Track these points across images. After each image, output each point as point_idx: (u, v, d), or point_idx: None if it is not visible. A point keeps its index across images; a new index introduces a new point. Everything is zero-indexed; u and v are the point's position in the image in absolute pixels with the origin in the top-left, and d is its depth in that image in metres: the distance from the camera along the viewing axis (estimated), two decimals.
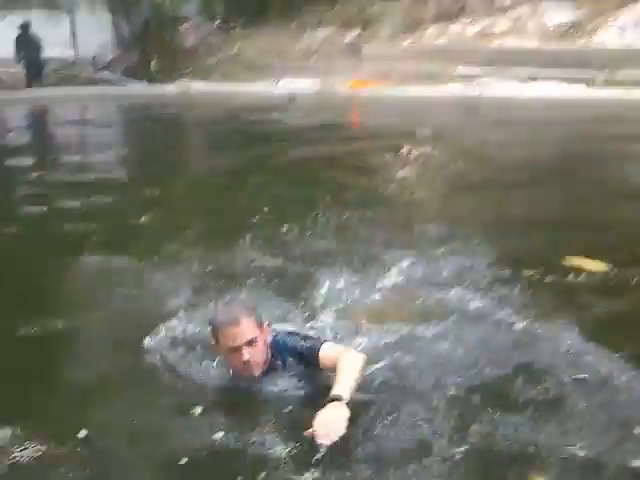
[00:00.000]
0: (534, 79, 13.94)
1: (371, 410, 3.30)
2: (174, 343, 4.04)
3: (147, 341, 4.05)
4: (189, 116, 14.77)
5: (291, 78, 15.87)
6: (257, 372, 3.50)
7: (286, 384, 3.53)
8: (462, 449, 3.06)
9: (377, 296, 4.64)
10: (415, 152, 9.39)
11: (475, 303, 4.41)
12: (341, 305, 4.48)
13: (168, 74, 17.09)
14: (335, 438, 3.00)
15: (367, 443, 3.11)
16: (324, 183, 8.23)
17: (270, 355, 3.56)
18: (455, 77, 14.70)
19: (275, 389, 3.51)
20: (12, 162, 10.75)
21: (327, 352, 3.45)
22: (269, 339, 3.58)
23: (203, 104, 14.92)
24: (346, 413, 3.08)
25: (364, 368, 3.40)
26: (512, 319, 4.16)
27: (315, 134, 11.47)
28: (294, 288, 4.80)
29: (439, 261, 5.17)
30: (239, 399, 3.54)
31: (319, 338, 3.66)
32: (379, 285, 4.79)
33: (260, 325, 3.52)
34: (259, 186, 8.12)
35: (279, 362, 3.57)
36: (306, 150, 10.23)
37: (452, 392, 3.49)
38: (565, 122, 11.35)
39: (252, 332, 3.45)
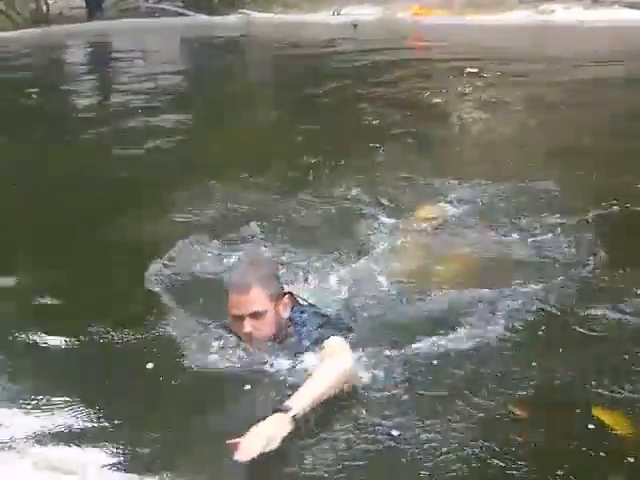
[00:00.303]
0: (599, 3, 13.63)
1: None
2: None
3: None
4: (251, 46, 14.76)
5: (353, 6, 15.69)
6: (256, 346, 3.30)
7: (287, 364, 3.29)
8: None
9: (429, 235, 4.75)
10: (481, 78, 9.33)
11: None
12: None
13: (229, 4, 16.98)
14: (253, 455, 2.63)
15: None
16: (388, 114, 8.25)
17: (287, 328, 3.36)
18: (519, 4, 14.40)
19: (272, 364, 3.29)
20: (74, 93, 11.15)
21: (326, 347, 3.19)
22: (287, 313, 3.38)
23: (264, 34, 14.85)
24: (285, 429, 2.76)
25: (342, 380, 3.08)
26: None
27: (378, 61, 11.40)
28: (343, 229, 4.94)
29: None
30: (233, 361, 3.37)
31: (340, 325, 3.41)
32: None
33: (276, 297, 3.32)
34: (319, 119, 8.23)
35: (294, 339, 3.34)
36: (370, 79, 10.20)
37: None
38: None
39: (261, 304, 3.25)
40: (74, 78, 12.59)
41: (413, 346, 3.42)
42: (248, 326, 3.26)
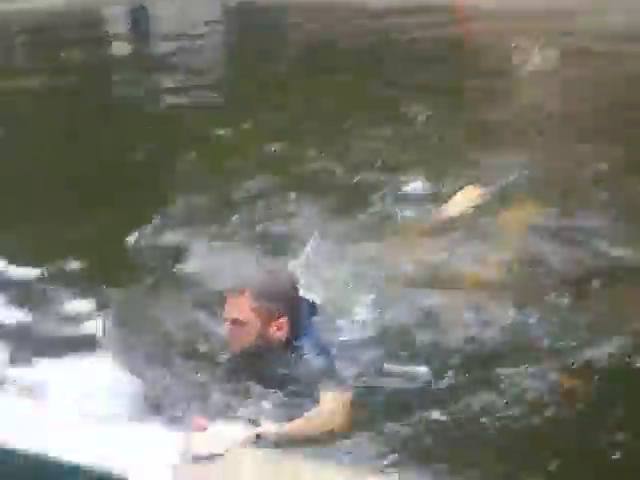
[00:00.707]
0: None
1: None
2: None
3: None
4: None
5: None
6: (232, 350, 3.33)
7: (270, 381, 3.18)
8: None
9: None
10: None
11: None
12: None
13: None
14: (205, 453, 2.57)
15: None
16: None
17: (281, 349, 3.24)
18: None
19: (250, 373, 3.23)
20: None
21: (323, 403, 3.02)
22: (280, 335, 3.24)
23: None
24: (238, 435, 2.69)
25: (317, 436, 2.87)
26: None
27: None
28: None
29: None
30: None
31: (335, 379, 3.14)
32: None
33: (268, 315, 3.21)
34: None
35: (289, 358, 3.23)
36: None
37: None
38: None
39: (243, 314, 3.19)
40: None
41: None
42: (227, 328, 3.30)
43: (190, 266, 4.47)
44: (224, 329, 3.35)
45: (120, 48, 12.81)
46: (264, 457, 2.57)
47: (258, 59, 10.66)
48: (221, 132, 7.24)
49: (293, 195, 5.28)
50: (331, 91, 8.51)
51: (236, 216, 5.10)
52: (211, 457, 2.53)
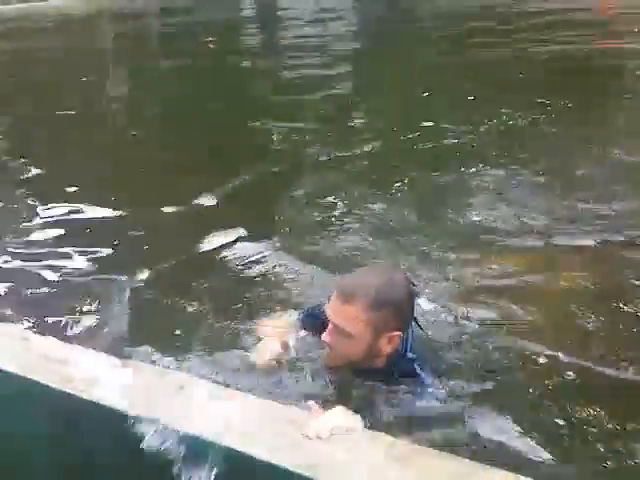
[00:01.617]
0: None
1: None
2: None
3: None
4: None
5: None
6: (330, 363, 2.82)
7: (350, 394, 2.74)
8: None
9: None
10: None
11: None
12: None
13: None
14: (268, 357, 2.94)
15: None
16: None
17: (385, 365, 2.76)
18: None
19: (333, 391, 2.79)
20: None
21: None
22: (389, 349, 2.72)
23: None
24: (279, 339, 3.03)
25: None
26: None
27: None
28: None
29: None
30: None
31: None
32: None
33: (380, 330, 2.67)
34: None
35: (384, 380, 2.75)
36: None
37: None
38: None
39: (353, 326, 2.65)
40: None
41: None
42: (328, 335, 2.72)
43: None
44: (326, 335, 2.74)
45: None
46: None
47: None
48: None
49: None
50: None
51: None
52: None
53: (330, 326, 2.69)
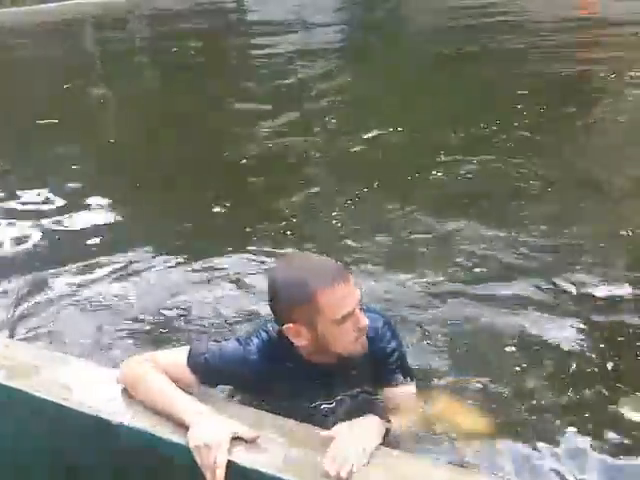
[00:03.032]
0: None
1: None
2: None
3: None
4: None
5: None
6: (360, 351, 2.43)
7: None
8: None
9: None
10: None
11: None
12: None
13: None
14: (345, 473, 1.97)
15: None
16: None
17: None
18: None
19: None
20: None
21: (402, 400, 2.51)
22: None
23: None
24: (379, 436, 2.12)
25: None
26: None
27: None
28: None
29: None
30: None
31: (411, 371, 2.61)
32: None
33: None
34: None
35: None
36: None
37: None
38: None
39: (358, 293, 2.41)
40: None
41: None
42: (364, 316, 2.40)
43: None
44: (347, 334, 2.36)
45: None
46: None
47: None
48: None
49: None
50: None
51: None
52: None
53: (355, 313, 2.35)
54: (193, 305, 3.84)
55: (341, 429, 2.10)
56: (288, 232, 4.77)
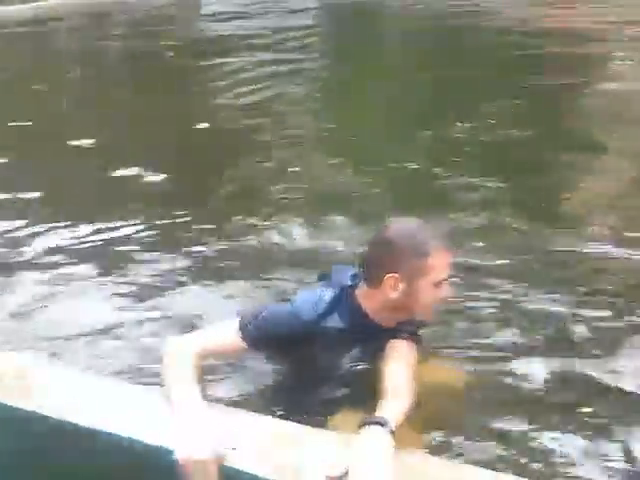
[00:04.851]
0: None
1: None
2: None
3: None
4: None
5: None
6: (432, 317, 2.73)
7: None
8: None
9: None
10: None
11: None
12: None
13: None
14: None
15: None
16: None
17: None
18: None
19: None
20: None
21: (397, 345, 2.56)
22: None
23: None
24: (389, 450, 2.01)
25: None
26: None
27: None
28: None
29: None
30: None
31: None
32: None
33: None
34: None
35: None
36: None
37: None
38: None
39: None
40: None
41: None
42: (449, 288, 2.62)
43: None
44: (431, 298, 2.55)
45: None
46: None
47: None
48: None
49: None
50: None
51: None
52: None
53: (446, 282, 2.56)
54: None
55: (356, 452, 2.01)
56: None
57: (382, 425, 2.06)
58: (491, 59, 9.33)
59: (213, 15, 13.85)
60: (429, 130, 6.41)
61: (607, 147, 5.92)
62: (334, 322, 2.52)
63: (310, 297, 2.56)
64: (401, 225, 2.58)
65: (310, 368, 2.57)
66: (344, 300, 2.56)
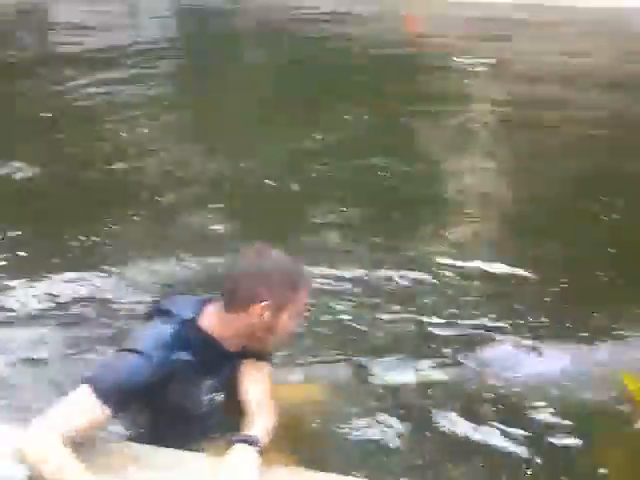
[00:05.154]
0: None
1: None
2: None
3: None
4: None
5: None
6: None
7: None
8: None
9: None
10: None
11: None
12: None
13: None
14: None
15: None
16: None
17: None
18: None
19: None
20: None
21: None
22: None
23: None
24: (256, 464, 2.20)
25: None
26: None
27: None
28: None
29: None
30: None
31: None
32: None
33: None
34: None
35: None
36: None
37: None
38: None
39: None
40: None
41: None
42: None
43: None
44: (290, 327, 2.66)
45: None
46: None
47: None
48: None
49: None
50: None
51: None
52: None
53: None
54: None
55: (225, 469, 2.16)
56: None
57: (249, 442, 2.22)
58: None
59: (59, 25, 13.30)
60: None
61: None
62: (184, 356, 2.46)
63: (154, 337, 2.45)
64: (277, 257, 2.60)
65: (174, 408, 2.50)
66: (189, 332, 2.49)
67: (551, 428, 2.85)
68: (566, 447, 2.77)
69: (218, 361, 2.54)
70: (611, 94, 8.06)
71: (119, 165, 5.95)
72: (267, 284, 2.50)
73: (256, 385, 2.51)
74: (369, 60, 9.73)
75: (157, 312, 2.57)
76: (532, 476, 2.63)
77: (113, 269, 4.17)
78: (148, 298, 3.63)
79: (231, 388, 2.54)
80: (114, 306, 3.80)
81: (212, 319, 2.54)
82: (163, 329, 2.47)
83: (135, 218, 4.96)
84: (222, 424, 2.51)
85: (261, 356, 2.63)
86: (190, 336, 2.49)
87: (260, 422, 2.33)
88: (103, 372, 2.39)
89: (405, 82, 8.56)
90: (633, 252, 4.31)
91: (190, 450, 2.40)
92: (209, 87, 8.70)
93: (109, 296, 3.90)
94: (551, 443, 2.78)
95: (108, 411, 2.29)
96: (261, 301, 2.47)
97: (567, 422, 2.88)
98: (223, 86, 8.79)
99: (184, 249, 4.39)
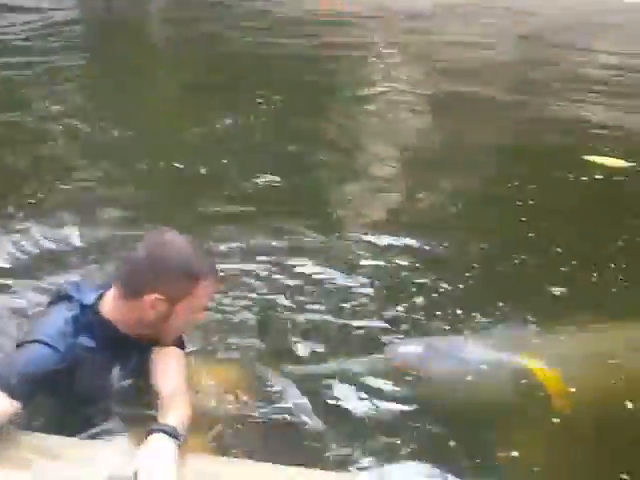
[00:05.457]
0: None
1: None
2: None
3: None
4: None
5: None
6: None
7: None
8: None
9: None
10: None
11: None
12: None
13: None
14: None
15: None
16: None
17: None
18: None
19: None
20: None
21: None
22: None
23: None
24: (173, 452, 2.12)
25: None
26: None
27: None
28: None
29: None
30: None
31: None
32: None
33: None
34: None
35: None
36: None
37: None
38: None
39: None
40: None
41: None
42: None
43: None
44: (188, 322, 2.58)
45: None
46: None
47: None
48: None
49: None
50: None
51: None
52: None
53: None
54: None
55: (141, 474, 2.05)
56: None
57: (165, 432, 2.15)
58: None
59: None
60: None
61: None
62: (85, 342, 2.38)
63: (54, 324, 2.37)
64: (179, 244, 2.44)
65: (81, 396, 2.42)
66: (89, 318, 2.41)
67: (465, 413, 2.88)
68: (479, 431, 2.81)
69: (122, 347, 2.46)
70: None
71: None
72: (162, 274, 2.38)
73: (168, 375, 2.43)
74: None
75: (59, 298, 2.49)
76: (451, 457, 2.65)
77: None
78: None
79: (144, 375, 2.45)
80: None
81: (110, 304, 2.45)
82: (63, 315, 2.40)
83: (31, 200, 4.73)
84: (136, 412, 2.43)
85: (175, 341, 2.54)
86: (90, 321, 2.41)
87: (173, 415, 2.25)
88: (8, 367, 2.30)
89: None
90: (546, 238, 4.37)
91: (101, 439, 2.33)
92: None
93: None
94: (464, 428, 2.81)
95: (18, 405, 2.22)
96: (152, 291, 2.36)
97: (480, 409, 2.91)
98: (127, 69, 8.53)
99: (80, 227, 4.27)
